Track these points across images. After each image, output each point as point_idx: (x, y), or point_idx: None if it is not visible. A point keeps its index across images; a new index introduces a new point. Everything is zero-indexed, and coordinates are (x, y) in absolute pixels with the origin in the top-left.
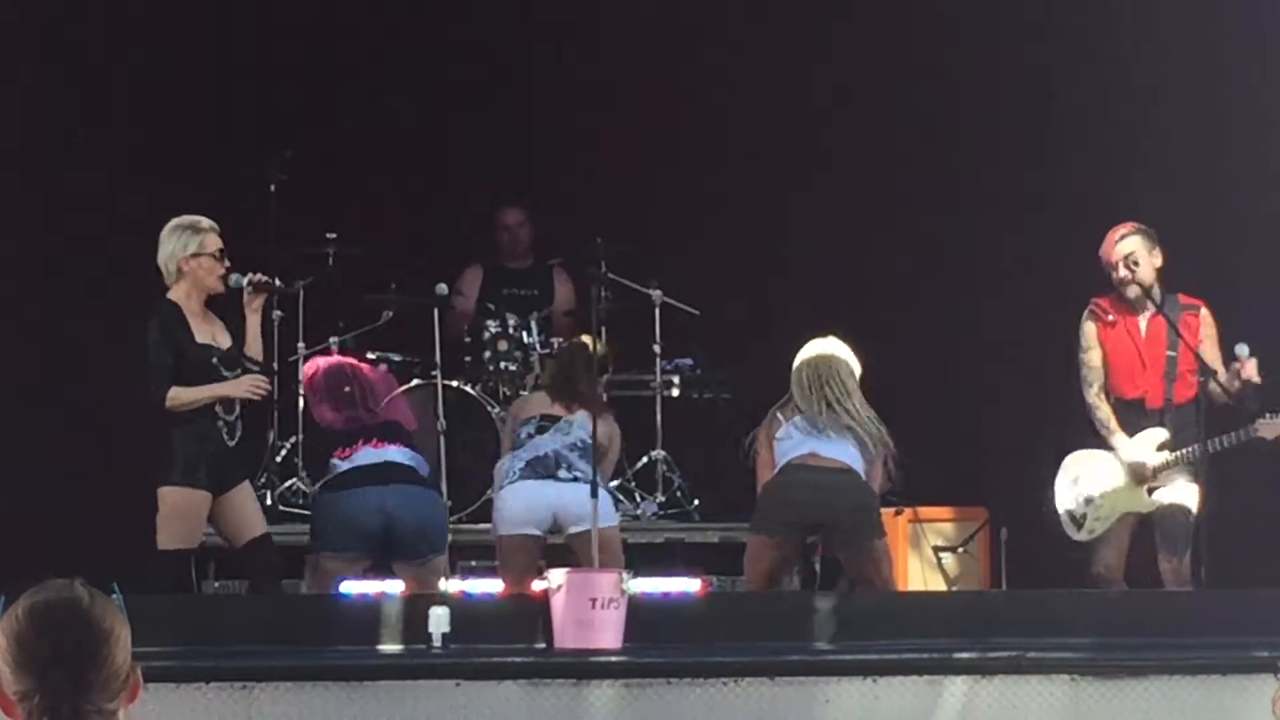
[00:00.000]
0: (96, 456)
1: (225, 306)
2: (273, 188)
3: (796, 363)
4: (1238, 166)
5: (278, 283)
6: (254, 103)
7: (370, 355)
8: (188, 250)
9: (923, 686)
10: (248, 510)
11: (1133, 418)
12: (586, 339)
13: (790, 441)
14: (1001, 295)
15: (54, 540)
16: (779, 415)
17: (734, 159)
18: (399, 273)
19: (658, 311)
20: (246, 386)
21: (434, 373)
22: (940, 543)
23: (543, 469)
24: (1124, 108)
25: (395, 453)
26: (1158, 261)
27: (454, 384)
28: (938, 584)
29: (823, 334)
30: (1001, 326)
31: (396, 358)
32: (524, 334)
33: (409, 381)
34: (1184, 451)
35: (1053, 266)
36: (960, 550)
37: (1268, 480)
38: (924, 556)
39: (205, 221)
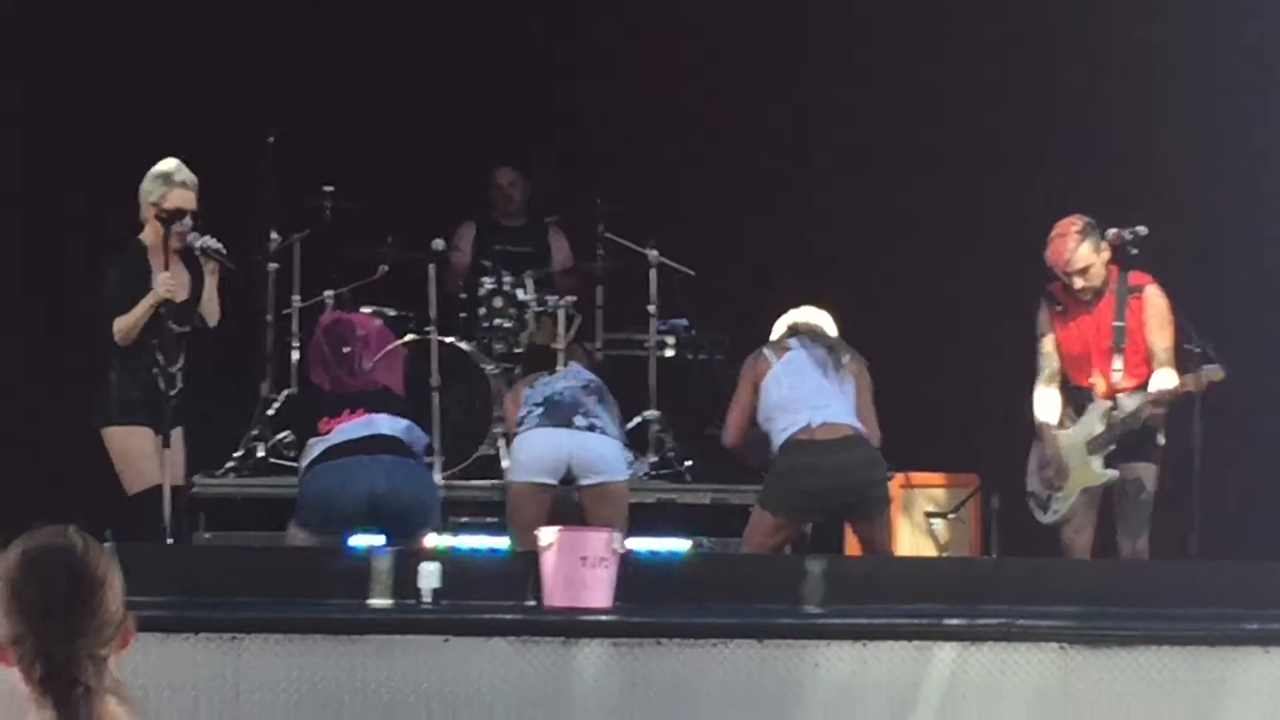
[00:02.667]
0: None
1: None
2: (270, 140)
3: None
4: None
5: (223, 252)
6: (253, 54)
7: (365, 309)
8: (152, 197)
9: (912, 652)
10: (173, 459)
11: (1083, 404)
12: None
13: (781, 391)
14: (996, 261)
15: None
16: (766, 353)
17: (733, 120)
18: (395, 228)
19: (654, 272)
20: (161, 288)
21: (429, 329)
22: (931, 508)
23: (560, 415)
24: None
25: (384, 423)
26: (1106, 255)
27: (448, 340)
28: (928, 550)
29: (817, 297)
30: (996, 292)
31: (391, 312)
32: (519, 291)
33: (403, 337)
34: (1126, 414)
35: (1047, 230)
36: (951, 516)
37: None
38: (915, 522)
39: (180, 175)
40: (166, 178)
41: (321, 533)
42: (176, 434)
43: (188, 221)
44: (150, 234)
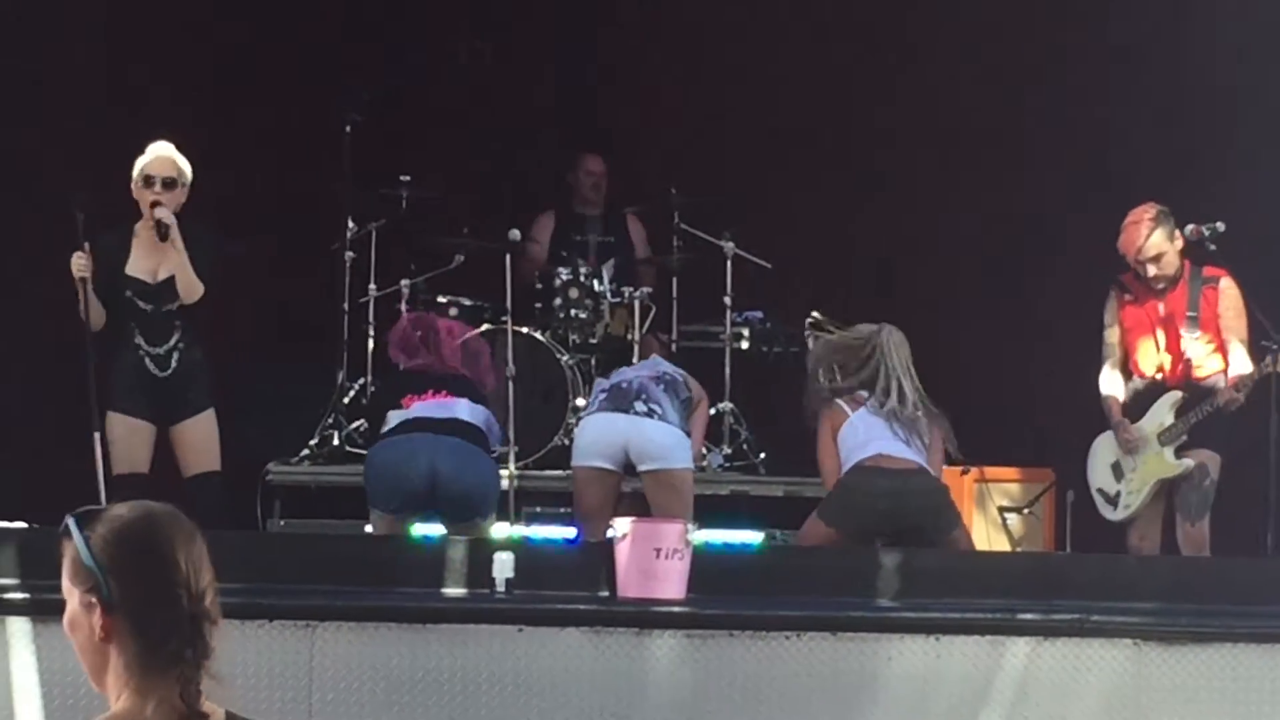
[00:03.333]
0: None
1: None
2: (348, 129)
3: (851, 339)
4: None
5: (166, 224)
6: (332, 43)
7: (441, 299)
8: (135, 177)
9: (985, 647)
10: (192, 444)
11: (1152, 396)
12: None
13: (857, 437)
14: (1073, 255)
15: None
16: (841, 404)
17: (811, 111)
18: (472, 217)
19: (729, 264)
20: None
21: (504, 318)
22: (1006, 503)
23: (621, 399)
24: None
25: (463, 408)
26: (1180, 244)
27: (524, 330)
28: (1002, 544)
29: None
30: (1072, 288)
31: (467, 302)
32: (595, 282)
33: (480, 326)
34: (1200, 408)
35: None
36: (1026, 511)
37: None
38: (989, 517)
39: (156, 146)
40: (145, 152)
41: (385, 509)
42: (202, 417)
43: (158, 188)
44: (142, 220)
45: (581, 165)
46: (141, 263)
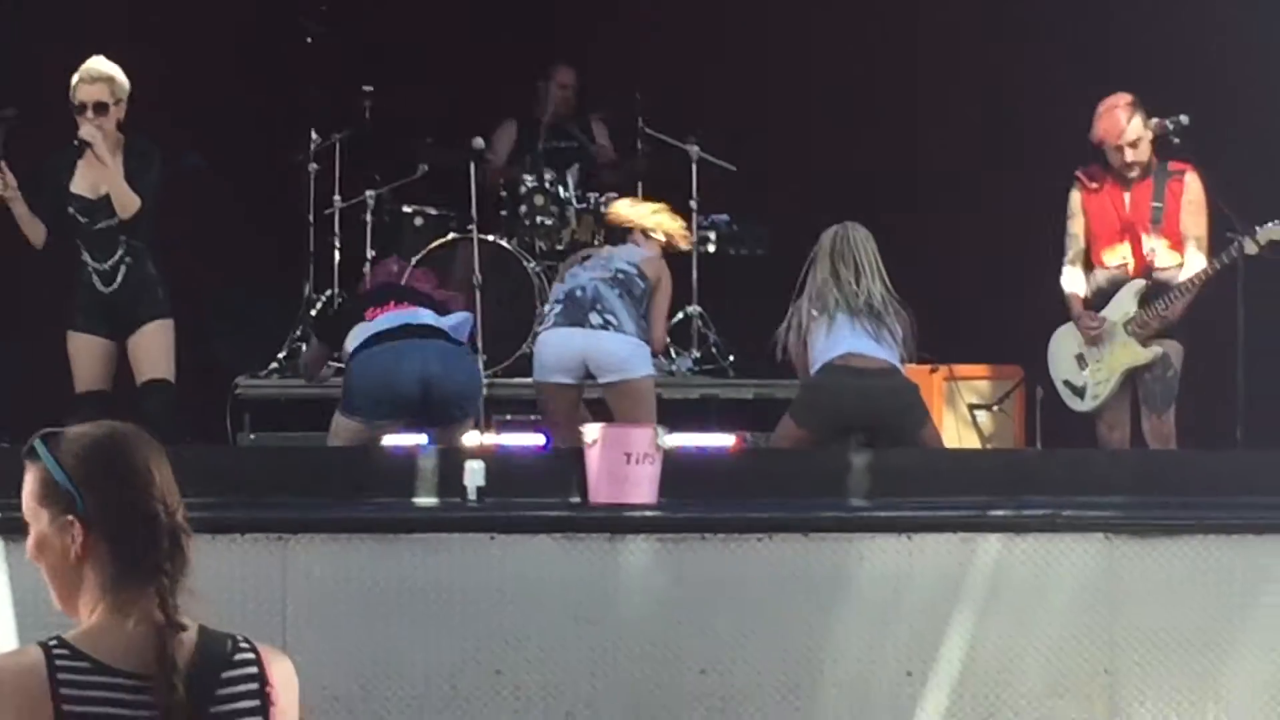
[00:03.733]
0: None
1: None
2: (309, 40)
3: (821, 244)
4: None
5: (87, 142)
6: None
7: (406, 209)
8: (71, 98)
9: (957, 544)
10: (140, 354)
11: (1114, 287)
12: (624, 201)
13: (826, 339)
14: (1041, 154)
15: None
16: (813, 313)
17: (773, 13)
18: (435, 127)
19: (695, 167)
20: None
21: (470, 227)
22: (975, 400)
23: (576, 311)
24: None
25: (428, 315)
26: (1149, 134)
27: (490, 238)
28: (973, 442)
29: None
30: (1040, 186)
31: (432, 211)
32: (560, 188)
33: (445, 235)
34: (1162, 299)
35: (1089, 125)
36: (995, 408)
37: None
38: (959, 414)
39: (85, 67)
40: (78, 74)
41: (371, 419)
42: (151, 327)
43: (89, 114)
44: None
45: (554, 77)
46: (84, 180)
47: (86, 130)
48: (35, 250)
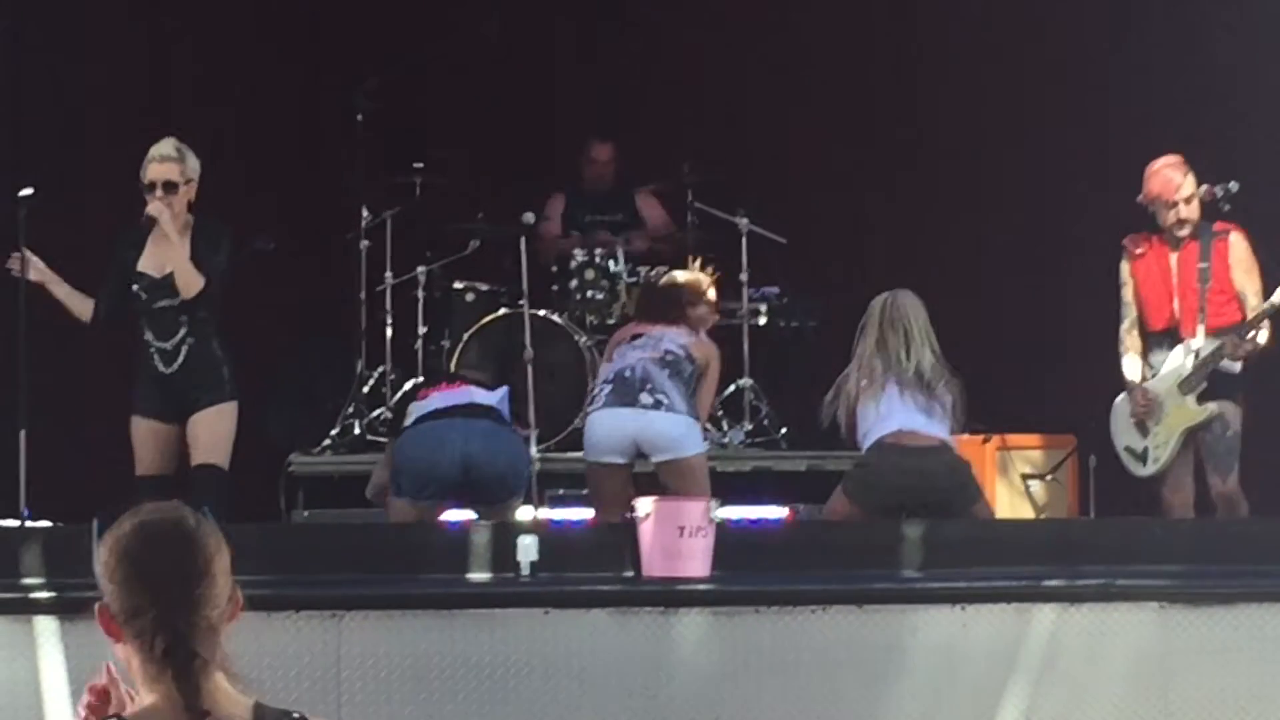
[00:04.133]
0: None
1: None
2: (360, 118)
3: (870, 311)
4: None
5: (152, 216)
6: (341, 33)
7: (457, 285)
8: (142, 178)
9: (1011, 615)
10: (195, 437)
11: (1164, 348)
12: (679, 272)
13: (877, 413)
14: (1092, 221)
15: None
16: (860, 380)
17: (821, 87)
18: (485, 202)
19: (745, 240)
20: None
21: (521, 301)
22: (1028, 470)
23: (626, 392)
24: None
25: (479, 394)
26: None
27: (541, 313)
28: (1026, 512)
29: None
30: (1091, 253)
31: (483, 287)
32: (610, 262)
33: (496, 310)
34: (1218, 344)
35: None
36: (1048, 478)
37: None
38: (1012, 484)
39: (156, 149)
40: (149, 156)
41: (418, 498)
42: (211, 413)
43: (159, 193)
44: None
45: (587, 153)
46: (150, 259)
47: (154, 206)
48: (96, 329)
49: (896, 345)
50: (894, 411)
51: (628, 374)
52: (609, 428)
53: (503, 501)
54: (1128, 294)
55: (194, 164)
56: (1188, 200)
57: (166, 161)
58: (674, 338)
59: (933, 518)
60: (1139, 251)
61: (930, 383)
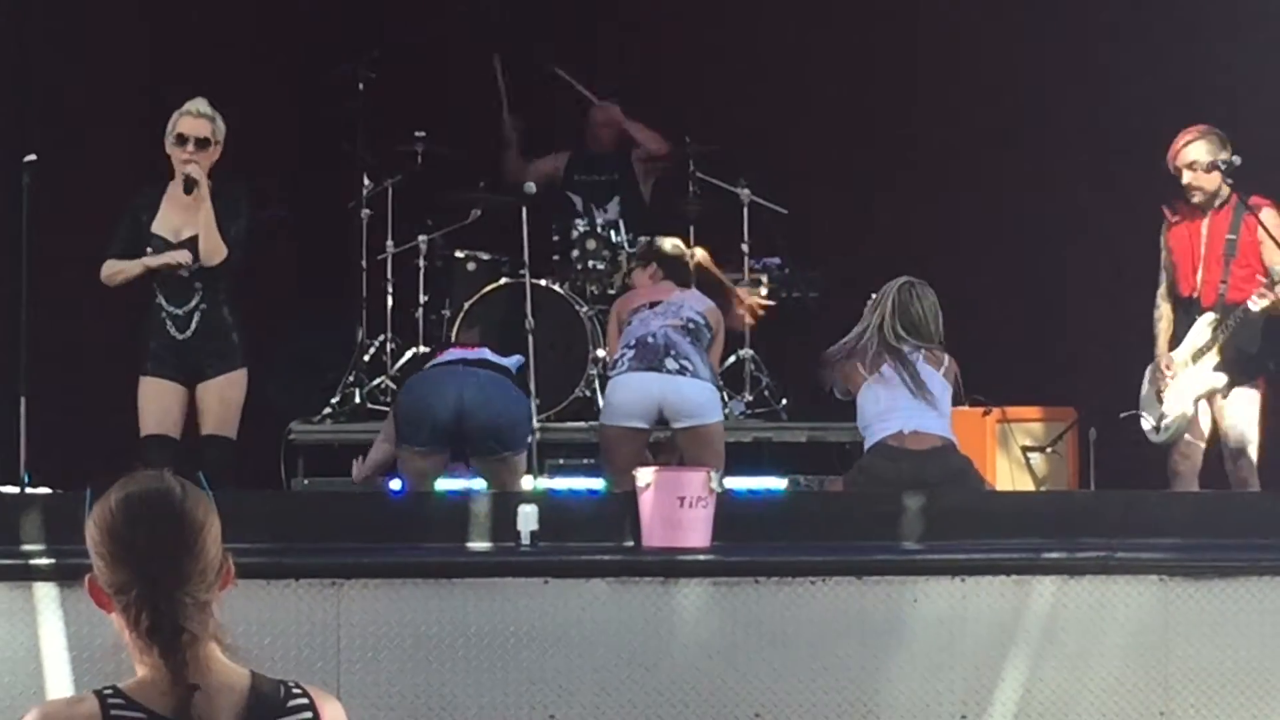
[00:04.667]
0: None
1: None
2: (361, 86)
3: (886, 291)
4: None
5: (195, 180)
6: (343, 2)
7: (458, 254)
8: (168, 134)
9: (1011, 586)
10: (206, 406)
11: (1189, 316)
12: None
13: (878, 405)
14: (1092, 193)
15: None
16: (858, 365)
17: (822, 58)
18: (488, 170)
19: (746, 210)
20: (161, 260)
21: (522, 271)
22: (1029, 443)
23: (651, 356)
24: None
25: (488, 351)
26: (1223, 164)
27: (542, 283)
28: (1026, 484)
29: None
30: (1091, 226)
31: (485, 256)
32: (612, 232)
33: (498, 280)
34: (1233, 316)
35: (1145, 163)
36: (1049, 450)
37: None
38: (1012, 456)
39: (190, 104)
40: (181, 110)
41: (412, 444)
42: (222, 381)
43: (190, 148)
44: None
45: (587, 115)
46: (167, 221)
47: (193, 169)
48: (101, 292)
49: (903, 333)
50: (897, 407)
51: (650, 340)
52: (635, 390)
53: (496, 455)
54: (1164, 259)
55: (223, 127)
56: (1191, 166)
57: (201, 117)
58: (693, 304)
59: None
60: (1175, 219)
61: (929, 376)
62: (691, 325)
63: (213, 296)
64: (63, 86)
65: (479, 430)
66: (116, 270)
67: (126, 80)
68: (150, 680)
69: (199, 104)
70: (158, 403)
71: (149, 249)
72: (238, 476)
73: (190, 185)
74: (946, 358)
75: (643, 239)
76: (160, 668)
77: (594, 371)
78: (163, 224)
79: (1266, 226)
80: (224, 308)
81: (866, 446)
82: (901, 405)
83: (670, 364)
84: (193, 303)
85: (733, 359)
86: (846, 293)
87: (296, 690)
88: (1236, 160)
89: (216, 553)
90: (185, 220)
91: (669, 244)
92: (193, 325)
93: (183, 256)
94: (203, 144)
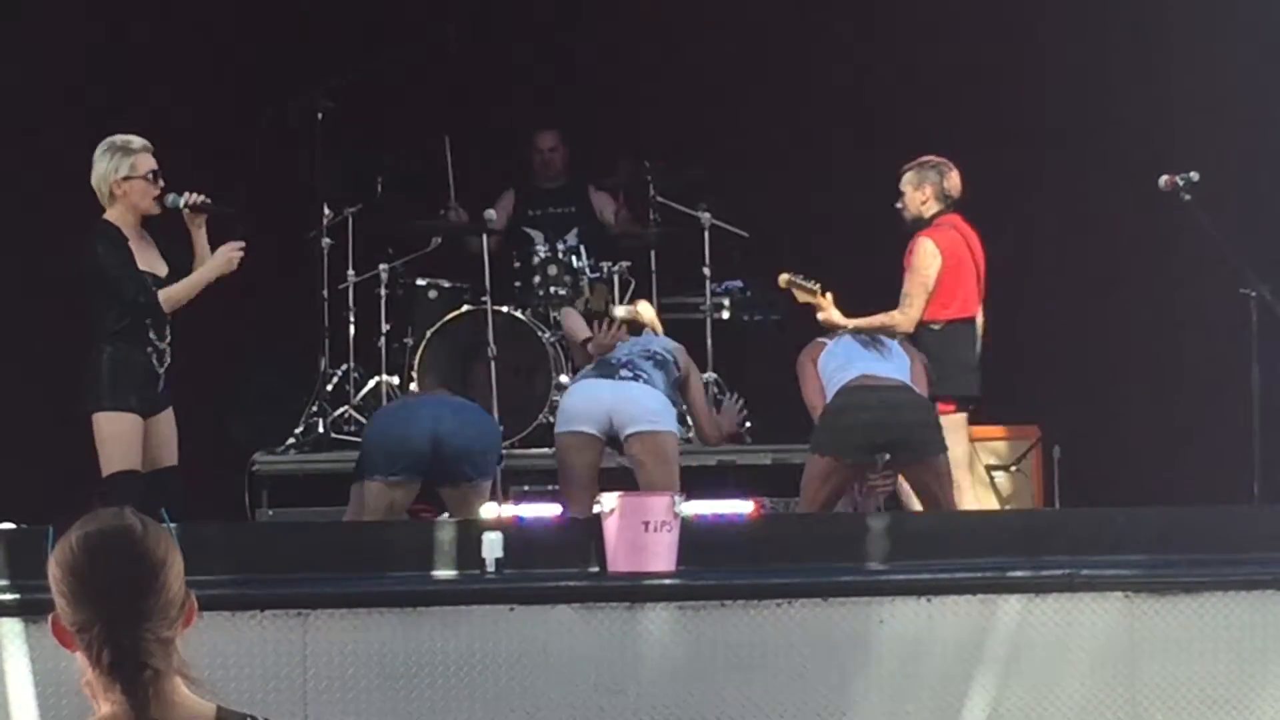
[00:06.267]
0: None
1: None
2: (319, 116)
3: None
4: None
5: (208, 202)
6: (299, 32)
7: (420, 281)
8: (119, 173)
9: (977, 605)
10: (167, 439)
11: None
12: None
13: (837, 361)
14: (1050, 213)
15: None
16: (821, 338)
17: (781, 80)
18: (447, 200)
19: (707, 234)
20: (224, 258)
21: (484, 298)
22: (993, 461)
23: (606, 369)
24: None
25: (446, 395)
26: (923, 195)
27: (504, 309)
28: (991, 503)
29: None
30: (1051, 243)
31: (446, 284)
32: (573, 258)
33: (459, 307)
34: None
35: (1107, 181)
36: (1013, 469)
37: None
38: (977, 475)
39: (137, 141)
40: (125, 148)
41: (386, 475)
42: (170, 412)
43: (160, 184)
44: (115, 213)
45: (532, 142)
46: (144, 257)
47: (195, 196)
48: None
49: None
50: (854, 359)
51: (612, 359)
52: (585, 394)
53: (469, 481)
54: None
55: None
56: (900, 195)
57: (150, 151)
58: (661, 342)
59: (901, 457)
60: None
61: (883, 340)
62: (659, 357)
63: (174, 326)
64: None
65: (454, 457)
66: (180, 290)
67: (73, 108)
68: (111, 715)
69: (138, 139)
70: (137, 441)
71: (152, 287)
72: (202, 508)
73: (208, 208)
74: (917, 357)
75: (604, 264)
76: (122, 703)
77: (557, 398)
78: (143, 261)
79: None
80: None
81: (828, 400)
82: (856, 357)
83: (624, 373)
84: (169, 335)
85: None
86: (808, 316)
87: None
88: (1195, 176)
89: (179, 589)
90: (153, 256)
91: (622, 312)
92: (167, 359)
93: (235, 248)
94: (159, 175)
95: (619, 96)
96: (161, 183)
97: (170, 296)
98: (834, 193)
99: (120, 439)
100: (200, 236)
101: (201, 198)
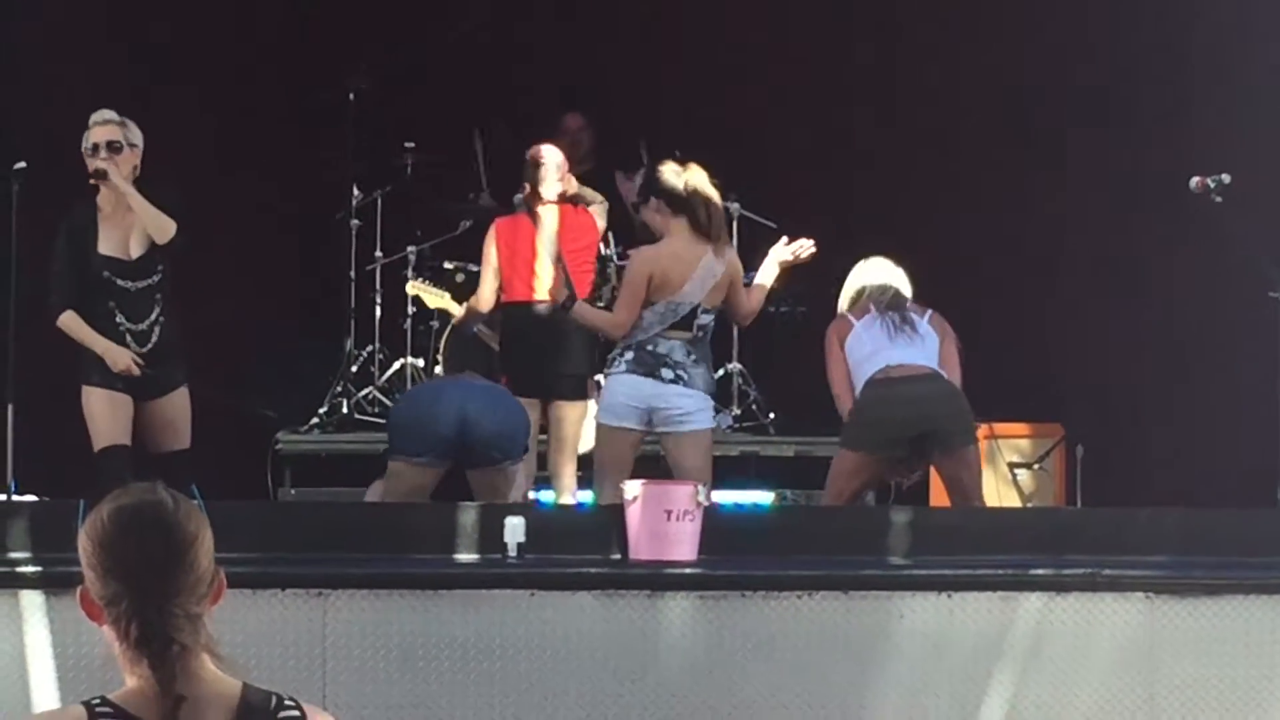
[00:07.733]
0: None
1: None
2: (351, 97)
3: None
4: None
5: (104, 172)
6: (333, 12)
7: (447, 265)
8: (83, 149)
9: (998, 602)
10: (167, 421)
11: None
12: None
13: (865, 349)
14: (1077, 211)
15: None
16: (848, 316)
17: (814, 73)
18: (476, 182)
19: (736, 225)
20: (121, 363)
21: None
22: (1016, 459)
23: (647, 364)
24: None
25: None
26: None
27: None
28: (1013, 500)
29: (898, 246)
30: (1077, 242)
31: (473, 267)
32: (600, 245)
33: None
34: None
35: (1128, 178)
36: (1036, 467)
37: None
38: (1000, 473)
39: (96, 115)
40: (90, 123)
41: (411, 457)
42: (180, 394)
43: (101, 156)
44: (102, 195)
45: (559, 127)
46: (110, 240)
47: (101, 163)
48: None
49: (878, 286)
50: (881, 348)
51: (650, 345)
52: (628, 392)
53: (496, 465)
54: None
55: (137, 133)
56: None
57: (109, 124)
58: (715, 279)
59: (931, 448)
60: None
61: (913, 319)
62: (700, 334)
63: (167, 309)
64: (52, 95)
65: (482, 441)
66: (73, 330)
67: (113, 90)
68: (139, 690)
69: (105, 112)
70: (116, 416)
71: (104, 273)
72: (225, 487)
73: (100, 174)
74: (930, 311)
75: (631, 251)
76: (149, 678)
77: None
78: (107, 243)
79: None
80: (175, 322)
81: (857, 390)
82: (884, 346)
83: (665, 373)
84: (152, 317)
85: (721, 373)
86: (835, 309)
87: (289, 703)
88: (1226, 178)
89: (208, 565)
90: (128, 233)
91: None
92: (154, 340)
93: (133, 363)
94: (114, 147)
95: (650, 88)
96: (103, 155)
97: (66, 324)
98: (866, 184)
99: (99, 415)
100: (135, 200)
101: (102, 168)
